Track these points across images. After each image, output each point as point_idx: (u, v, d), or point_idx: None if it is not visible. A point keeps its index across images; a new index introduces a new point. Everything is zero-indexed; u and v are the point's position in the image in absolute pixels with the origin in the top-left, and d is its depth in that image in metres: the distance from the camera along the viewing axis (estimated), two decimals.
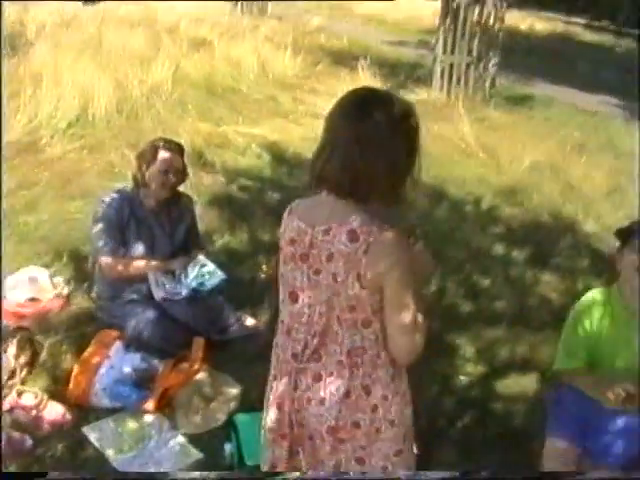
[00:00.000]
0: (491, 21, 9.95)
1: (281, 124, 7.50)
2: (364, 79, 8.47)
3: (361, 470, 1.92)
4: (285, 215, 1.88)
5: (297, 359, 1.86)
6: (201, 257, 3.42)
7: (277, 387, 1.92)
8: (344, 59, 10.32)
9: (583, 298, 2.61)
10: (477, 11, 9.82)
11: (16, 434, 2.60)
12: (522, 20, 22.69)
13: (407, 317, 1.74)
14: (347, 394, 1.82)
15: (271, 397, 1.95)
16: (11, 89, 6.72)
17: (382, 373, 1.84)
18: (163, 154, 3.31)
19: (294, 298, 1.84)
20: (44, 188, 5.23)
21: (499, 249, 5.08)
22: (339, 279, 1.72)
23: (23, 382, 2.93)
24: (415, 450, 2.48)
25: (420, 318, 1.77)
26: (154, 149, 3.31)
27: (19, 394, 2.82)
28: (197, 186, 5.14)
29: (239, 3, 15.03)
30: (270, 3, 15.59)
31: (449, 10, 9.87)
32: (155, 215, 3.42)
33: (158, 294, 3.29)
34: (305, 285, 1.80)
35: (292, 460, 1.94)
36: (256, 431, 2.54)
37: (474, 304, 4.23)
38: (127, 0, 12.21)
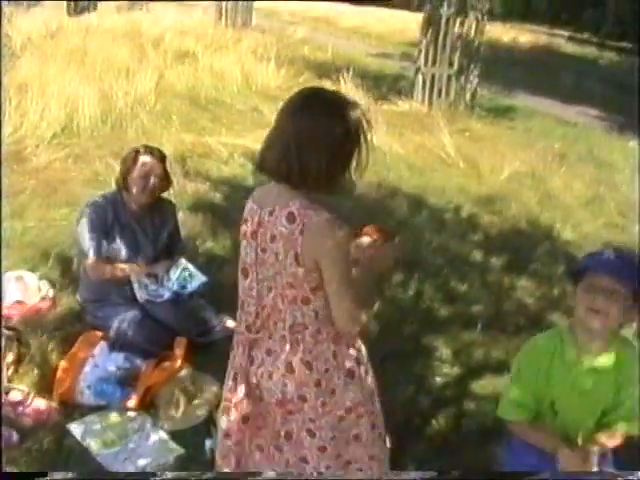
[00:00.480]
0: (472, 34, 10.11)
1: (264, 135, 7.49)
2: (346, 90, 8.57)
3: (311, 443, 2.03)
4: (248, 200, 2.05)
5: (250, 330, 2.01)
6: (183, 261, 3.50)
7: (233, 358, 2.08)
8: (327, 71, 10.43)
9: (527, 344, 2.36)
10: (458, 24, 9.98)
11: (3, 429, 2.67)
12: (505, 32, 22.94)
13: (344, 295, 1.90)
14: (290, 369, 1.96)
15: (229, 367, 2.09)
16: None
17: (324, 348, 1.97)
18: (143, 159, 3.41)
19: (245, 273, 2.00)
20: (30, 196, 5.30)
21: (477, 255, 5.15)
22: (280, 258, 1.88)
23: (10, 379, 3.01)
24: (388, 444, 2.58)
25: (359, 295, 1.93)
26: (135, 154, 3.42)
27: (7, 391, 2.89)
28: (181, 194, 5.24)
29: (223, 15, 15.15)
30: (254, 15, 15.74)
31: (431, 22, 10.02)
32: (138, 220, 3.51)
33: (141, 296, 3.38)
34: (254, 261, 1.96)
35: (245, 428, 2.06)
36: None
37: (451, 308, 4.30)
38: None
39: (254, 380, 2.02)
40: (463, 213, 6.05)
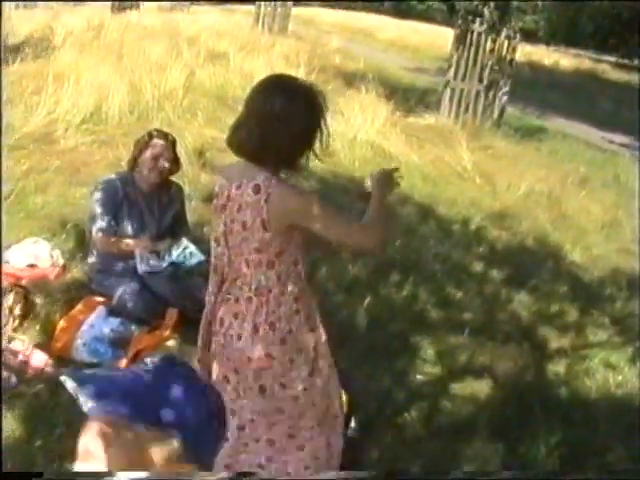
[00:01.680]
0: (504, 51, 10.20)
1: None
2: (370, 100, 8.74)
3: (284, 394, 2.21)
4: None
5: (220, 290, 2.21)
6: (185, 241, 3.71)
7: (205, 319, 2.29)
8: (357, 80, 10.61)
9: None
10: (490, 40, 10.08)
11: (4, 373, 2.93)
12: (548, 55, 22.90)
13: (348, 231, 2.19)
14: (255, 329, 2.14)
15: (201, 330, 2.30)
16: (34, 86, 7.16)
17: (286, 309, 2.16)
18: (155, 141, 3.66)
19: (217, 242, 2.20)
20: (54, 174, 5.55)
21: (478, 266, 5.23)
22: (248, 225, 2.08)
23: (15, 330, 3.28)
24: (353, 424, 2.73)
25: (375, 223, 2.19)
26: (148, 137, 3.67)
27: (10, 340, 3.16)
28: (194, 183, 5.47)
29: (260, 20, 15.44)
30: (292, 23, 16.00)
31: (463, 37, 10.13)
32: (146, 199, 3.74)
33: (141, 268, 3.58)
34: (223, 231, 2.16)
35: (224, 384, 2.26)
36: None
37: (443, 312, 4.39)
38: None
39: (222, 340, 2.21)
40: (471, 226, 6.14)
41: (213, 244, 2.24)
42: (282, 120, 2.05)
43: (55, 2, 12.27)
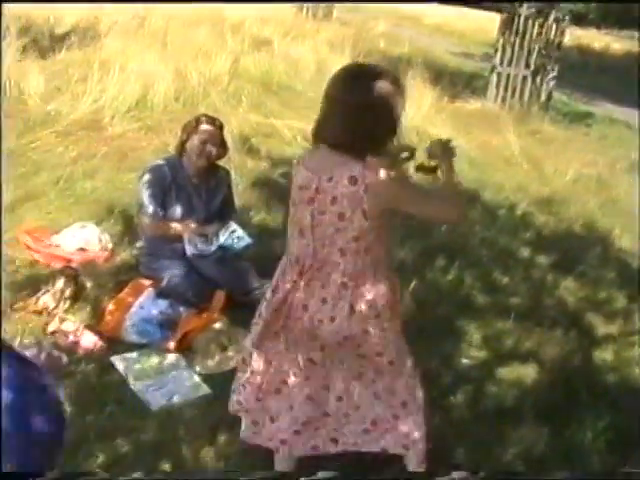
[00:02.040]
0: (552, 35, 10.04)
1: None
2: (416, 85, 8.67)
3: (379, 361, 2.35)
4: (294, 164, 2.30)
5: (300, 279, 2.26)
6: (233, 224, 3.75)
7: (270, 307, 2.32)
8: (402, 65, 10.55)
9: None
10: (538, 24, 9.93)
11: (55, 352, 3.03)
12: (598, 39, 22.37)
13: (429, 205, 2.28)
14: (352, 310, 2.22)
15: (267, 303, 2.35)
16: (80, 74, 7.26)
17: (380, 287, 2.26)
18: (204, 126, 3.69)
19: (302, 234, 2.23)
20: (102, 160, 5.65)
21: (525, 252, 5.18)
22: (346, 216, 2.13)
23: (66, 312, 3.38)
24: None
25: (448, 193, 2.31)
26: (196, 121, 3.70)
27: (61, 321, 3.26)
28: (240, 169, 5.50)
29: (305, 6, 15.43)
30: (336, 8, 15.94)
31: (510, 21, 10.00)
32: (194, 184, 3.78)
33: (190, 251, 3.64)
34: (311, 223, 2.19)
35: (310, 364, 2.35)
36: None
37: (489, 297, 4.36)
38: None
39: (306, 324, 2.28)
40: (518, 211, 6.07)
41: (295, 234, 2.27)
42: (371, 108, 2.09)
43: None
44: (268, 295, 2.37)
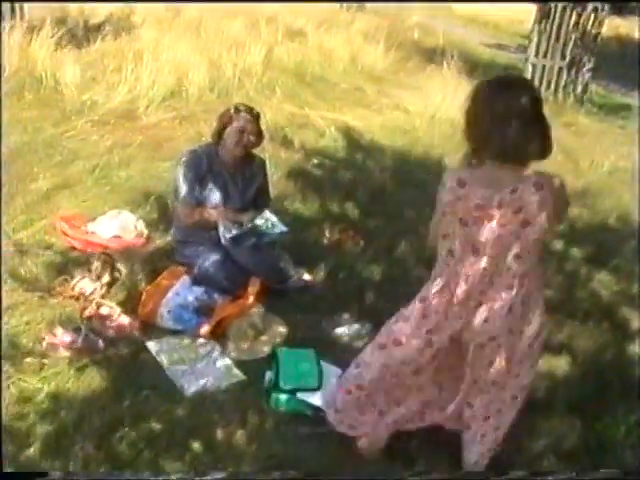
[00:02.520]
0: (589, 25, 9.87)
1: (363, 113, 7.74)
2: (451, 76, 8.61)
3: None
4: (451, 184, 2.28)
5: (474, 284, 2.32)
6: (267, 212, 3.76)
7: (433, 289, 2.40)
8: (436, 56, 10.47)
9: None
10: (575, 14, 9.75)
11: (92, 335, 3.09)
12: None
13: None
14: (510, 310, 2.33)
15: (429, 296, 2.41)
16: (115, 64, 7.37)
17: (536, 284, 2.37)
18: (241, 115, 3.72)
19: (475, 251, 2.29)
20: (137, 149, 5.72)
21: (558, 244, 5.11)
22: (530, 222, 2.21)
23: (103, 297, 3.43)
24: None
25: None
26: (233, 110, 3.73)
27: (98, 306, 3.31)
28: (275, 158, 5.53)
29: None
30: None
31: (546, 12, 9.84)
32: (230, 171, 3.81)
33: (225, 239, 3.66)
34: (488, 238, 2.25)
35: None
36: (294, 364, 2.92)
37: None
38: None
39: (457, 327, 2.39)
40: None
41: (469, 252, 2.30)
42: (534, 117, 2.20)
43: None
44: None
